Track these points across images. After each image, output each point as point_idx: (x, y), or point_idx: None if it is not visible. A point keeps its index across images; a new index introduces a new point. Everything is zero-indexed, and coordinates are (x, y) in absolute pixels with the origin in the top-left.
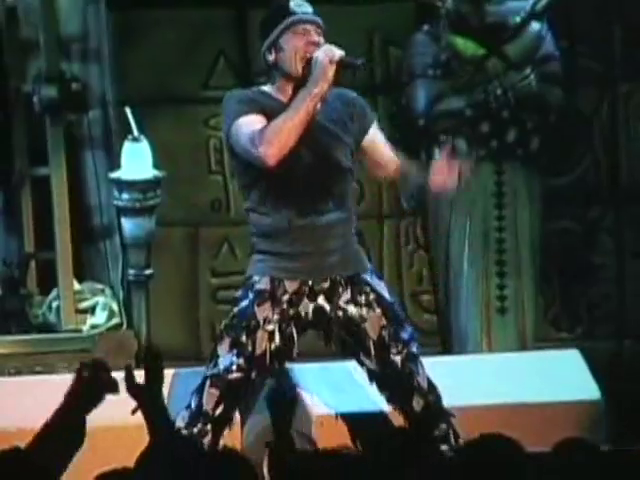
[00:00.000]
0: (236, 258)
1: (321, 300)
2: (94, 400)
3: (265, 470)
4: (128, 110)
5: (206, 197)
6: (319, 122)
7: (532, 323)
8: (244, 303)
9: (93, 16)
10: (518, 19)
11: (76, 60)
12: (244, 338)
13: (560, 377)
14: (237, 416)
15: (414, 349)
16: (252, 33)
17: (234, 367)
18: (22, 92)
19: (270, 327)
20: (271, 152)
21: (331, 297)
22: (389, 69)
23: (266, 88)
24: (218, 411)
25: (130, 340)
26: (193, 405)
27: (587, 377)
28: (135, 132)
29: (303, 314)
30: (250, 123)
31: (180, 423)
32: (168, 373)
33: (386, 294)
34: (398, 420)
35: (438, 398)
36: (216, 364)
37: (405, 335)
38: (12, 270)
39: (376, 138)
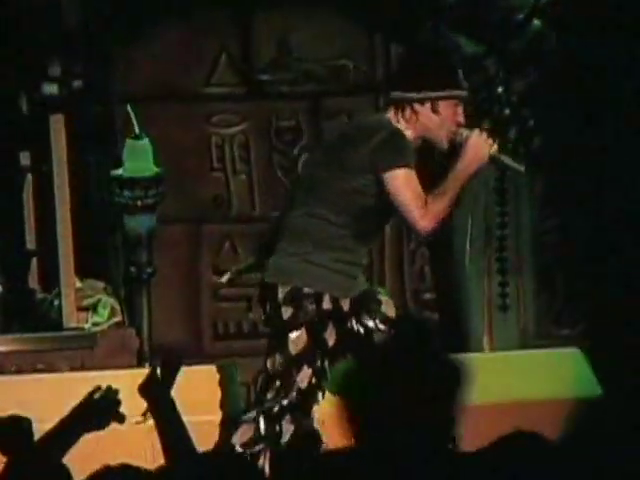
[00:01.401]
0: (238, 255)
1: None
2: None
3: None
4: (130, 107)
5: (208, 194)
6: None
7: (534, 320)
8: (308, 315)
9: (95, 12)
10: (520, 16)
11: (78, 57)
12: (321, 367)
13: (561, 375)
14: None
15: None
16: (254, 30)
17: (312, 398)
18: (25, 89)
19: (332, 339)
20: (432, 227)
21: (358, 312)
22: (390, 67)
23: (405, 131)
24: (284, 439)
25: (132, 338)
26: (267, 434)
27: (588, 375)
28: (137, 129)
29: (355, 330)
30: (410, 181)
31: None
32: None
33: (390, 312)
34: None
35: None
36: (299, 396)
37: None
38: (14, 268)
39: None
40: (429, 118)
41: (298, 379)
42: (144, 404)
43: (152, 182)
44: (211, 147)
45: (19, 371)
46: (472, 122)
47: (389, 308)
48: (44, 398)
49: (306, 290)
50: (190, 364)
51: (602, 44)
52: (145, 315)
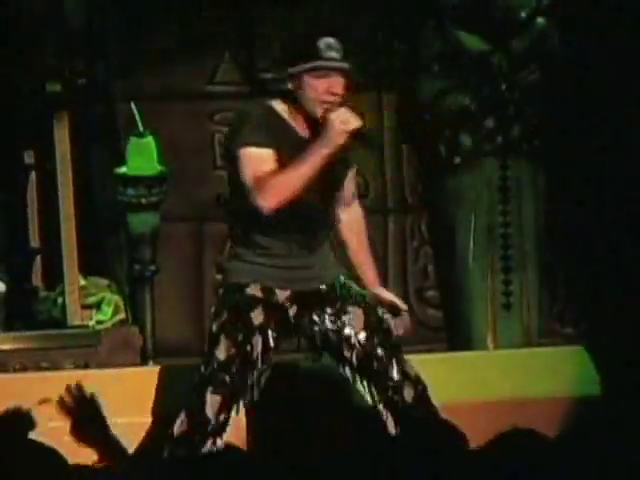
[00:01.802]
0: None
1: (305, 305)
2: None
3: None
4: (133, 105)
5: (211, 192)
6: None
7: (537, 318)
8: (240, 307)
9: (98, 11)
10: (524, 14)
11: (81, 55)
12: (241, 340)
13: (565, 373)
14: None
15: (394, 341)
16: (257, 28)
17: (235, 371)
18: (28, 87)
19: (264, 330)
20: (269, 204)
21: (313, 302)
22: (394, 64)
23: (280, 107)
24: (221, 418)
25: (135, 336)
26: (194, 413)
27: (592, 373)
28: (140, 127)
29: (289, 318)
30: (259, 160)
31: (181, 428)
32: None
33: (361, 298)
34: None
35: (425, 389)
36: (216, 368)
37: (386, 329)
38: (17, 265)
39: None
40: (299, 95)
41: (216, 352)
42: (148, 401)
43: (156, 180)
44: (214, 145)
45: (23, 369)
46: (476, 119)
47: (358, 320)
48: (48, 396)
49: (231, 281)
50: (193, 362)
51: (605, 43)
52: (149, 313)
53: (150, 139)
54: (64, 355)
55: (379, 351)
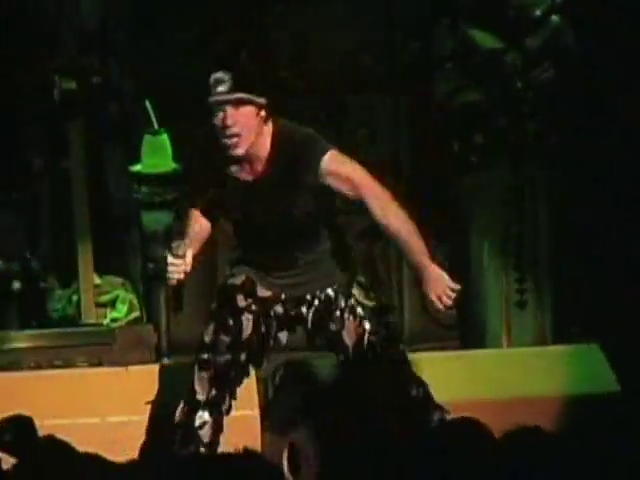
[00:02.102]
0: None
1: (296, 304)
2: None
3: (285, 463)
4: (148, 103)
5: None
6: (267, 184)
7: (551, 316)
8: (227, 293)
9: (113, 9)
10: (538, 12)
11: (96, 53)
12: (230, 321)
13: (580, 370)
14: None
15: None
16: (273, 26)
17: (221, 347)
18: (43, 85)
19: (254, 309)
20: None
21: (304, 303)
22: (407, 62)
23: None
24: (211, 395)
25: (150, 334)
26: (188, 395)
27: (607, 371)
28: (155, 125)
29: (281, 310)
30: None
31: (180, 415)
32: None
33: (362, 299)
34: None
35: (429, 391)
36: (202, 347)
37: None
38: (33, 263)
39: (335, 174)
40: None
41: (204, 334)
42: (161, 399)
43: (170, 178)
44: None
45: (37, 367)
46: (490, 118)
47: (348, 335)
48: (62, 394)
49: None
50: None
51: (618, 40)
52: (163, 311)
53: (164, 137)
54: (78, 353)
55: (382, 346)
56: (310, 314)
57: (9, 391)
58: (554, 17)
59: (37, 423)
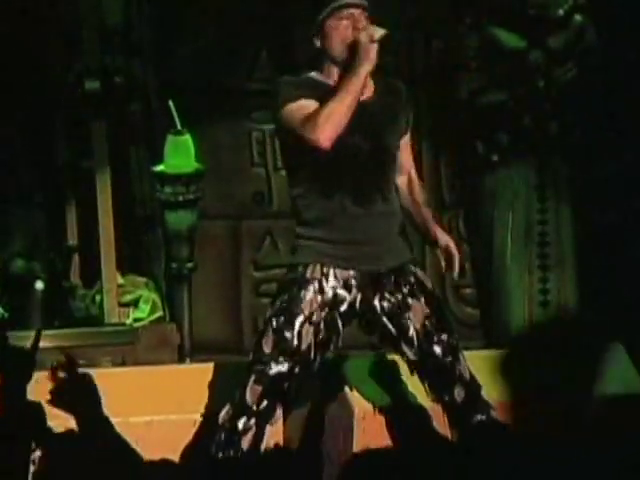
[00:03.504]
0: (279, 251)
1: (368, 290)
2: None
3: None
4: (171, 103)
5: (248, 190)
6: (370, 108)
7: (574, 316)
8: (289, 294)
9: (136, 9)
10: (561, 11)
11: (119, 53)
12: (289, 334)
13: (603, 371)
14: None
15: (454, 339)
16: (294, 25)
17: (279, 363)
18: (66, 85)
19: (316, 319)
20: (324, 135)
21: (377, 287)
22: (430, 61)
23: (314, 74)
24: (262, 406)
25: (173, 333)
26: (237, 399)
27: (630, 370)
28: (178, 125)
29: (350, 303)
30: (302, 107)
31: (224, 417)
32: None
33: (429, 284)
34: (437, 412)
35: (478, 389)
36: (260, 360)
37: (446, 325)
38: (55, 263)
39: (406, 138)
40: (327, 47)
41: (263, 341)
42: (186, 399)
43: (193, 178)
44: (252, 143)
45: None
46: (513, 117)
47: (418, 315)
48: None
49: (294, 263)
50: (230, 359)
51: None
52: (186, 310)
53: (187, 137)
54: (101, 353)
55: (436, 349)
56: (383, 296)
57: (32, 391)
58: (577, 16)
59: (58, 422)
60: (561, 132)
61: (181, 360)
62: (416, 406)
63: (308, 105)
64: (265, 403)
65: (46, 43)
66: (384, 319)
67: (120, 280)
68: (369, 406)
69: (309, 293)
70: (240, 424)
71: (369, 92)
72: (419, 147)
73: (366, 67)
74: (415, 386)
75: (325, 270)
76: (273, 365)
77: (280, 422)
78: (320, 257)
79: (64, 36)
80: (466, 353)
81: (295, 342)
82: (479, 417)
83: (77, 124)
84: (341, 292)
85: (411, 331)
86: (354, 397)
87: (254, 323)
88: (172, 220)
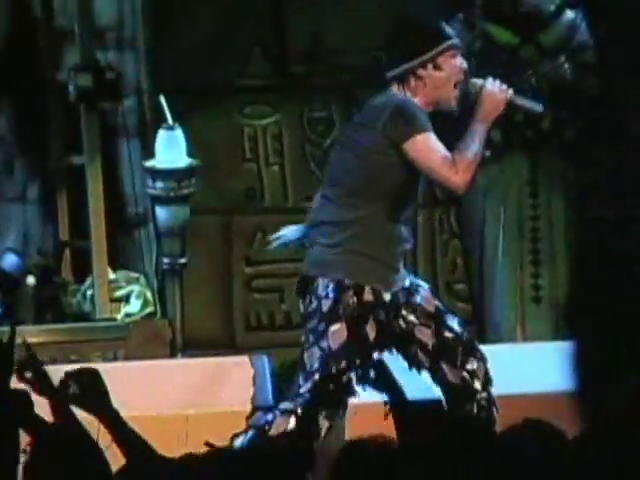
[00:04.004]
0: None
1: (396, 310)
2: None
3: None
4: (162, 98)
5: (240, 185)
6: None
7: (566, 312)
8: (349, 308)
9: (128, 4)
10: (553, 7)
11: (111, 48)
12: (358, 357)
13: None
14: None
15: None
16: (288, 21)
17: (344, 380)
18: (57, 81)
19: (377, 344)
20: (467, 181)
21: (398, 307)
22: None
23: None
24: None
25: (164, 329)
26: (306, 423)
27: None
28: (169, 120)
29: (396, 326)
30: (438, 144)
31: (281, 428)
32: (209, 361)
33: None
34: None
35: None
36: (332, 389)
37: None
38: (47, 258)
39: None
40: (435, 78)
41: (335, 373)
42: (177, 395)
43: (185, 173)
44: (244, 138)
45: (52, 362)
46: (505, 113)
47: (429, 304)
48: None
49: (347, 282)
50: (222, 355)
51: (635, 34)
52: (178, 306)
53: (179, 132)
54: (93, 348)
55: (449, 353)
56: (406, 311)
57: (23, 386)
58: (568, 12)
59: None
60: (553, 128)
61: (173, 355)
62: (409, 402)
63: (434, 142)
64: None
65: (38, 39)
66: (401, 328)
67: (111, 275)
68: (361, 402)
69: (370, 318)
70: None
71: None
72: None
73: (491, 120)
74: (407, 381)
75: (377, 292)
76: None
77: None
78: (373, 279)
79: (56, 31)
80: None
81: (359, 362)
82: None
83: (69, 120)
84: (387, 313)
85: (425, 339)
86: None
87: (246, 319)
88: (164, 216)
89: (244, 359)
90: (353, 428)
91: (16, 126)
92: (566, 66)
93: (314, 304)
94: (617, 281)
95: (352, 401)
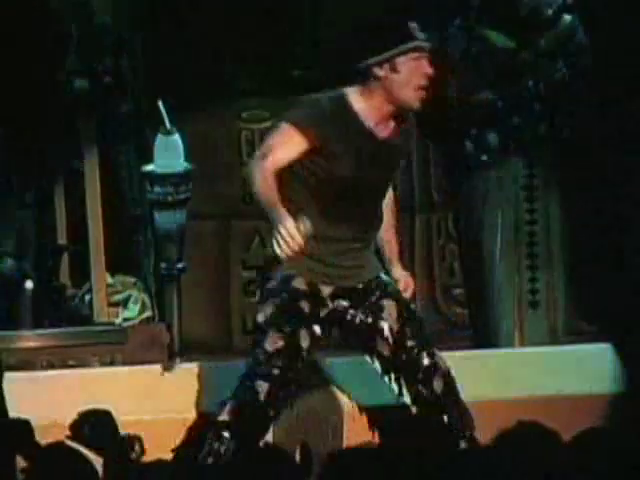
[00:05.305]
0: (267, 251)
1: (345, 302)
2: None
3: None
4: (160, 103)
5: (238, 190)
6: (391, 148)
7: (564, 316)
8: (283, 299)
9: (126, 8)
10: (550, 11)
11: (108, 53)
12: (289, 332)
13: (592, 370)
14: None
15: (427, 334)
16: (286, 23)
17: (282, 362)
18: (55, 86)
19: (311, 324)
20: (250, 176)
21: (352, 300)
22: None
23: (353, 97)
24: (272, 406)
25: (162, 333)
26: (247, 400)
27: (618, 371)
28: (167, 125)
29: (330, 314)
30: (286, 141)
31: (230, 417)
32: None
33: (396, 287)
34: None
35: (454, 381)
36: (263, 360)
37: (418, 322)
38: (45, 263)
39: None
40: (391, 79)
41: (266, 344)
42: (174, 399)
43: (183, 178)
44: (241, 143)
45: (50, 366)
46: (502, 117)
47: (391, 313)
48: (75, 394)
49: (287, 272)
50: (219, 359)
51: (633, 39)
52: (175, 310)
53: (177, 136)
54: (91, 352)
55: (410, 343)
56: (357, 313)
57: (22, 391)
58: (566, 16)
59: (49, 422)
60: (550, 132)
61: (170, 359)
62: (405, 406)
63: (288, 142)
64: (275, 404)
65: (35, 42)
66: (359, 322)
67: (109, 280)
68: (359, 405)
69: (302, 299)
70: (249, 425)
71: (395, 133)
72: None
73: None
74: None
75: (311, 283)
76: (277, 364)
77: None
78: (305, 271)
79: (54, 35)
80: (455, 353)
81: (295, 341)
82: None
83: (66, 124)
84: (325, 301)
85: (386, 331)
86: (343, 398)
87: (243, 322)
88: (162, 220)
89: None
90: (351, 432)
91: (13, 130)
92: (564, 70)
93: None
94: None
95: (350, 405)
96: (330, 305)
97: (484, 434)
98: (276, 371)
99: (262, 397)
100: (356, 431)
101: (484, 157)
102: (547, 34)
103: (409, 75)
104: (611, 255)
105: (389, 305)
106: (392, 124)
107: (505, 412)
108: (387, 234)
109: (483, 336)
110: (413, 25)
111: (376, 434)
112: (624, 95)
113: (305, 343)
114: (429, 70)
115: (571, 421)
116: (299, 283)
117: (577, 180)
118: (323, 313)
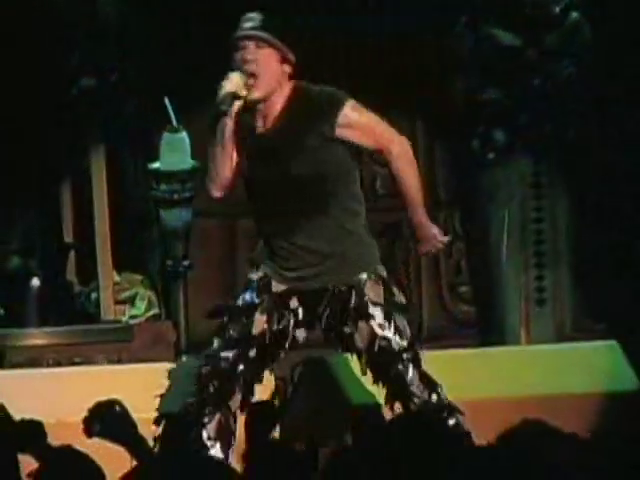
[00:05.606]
0: None
1: (308, 303)
2: None
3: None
4: (167, 100)
5: (244, 188)
6: (271, 145)
7: (570, 314)
8: (247, 290)
9: (131, 7)
10: (557, 10)
11: (114, 52)
12: (241, 317)
13: (598, 368)
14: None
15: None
16: (290, 26)
17: (230, 342)
18: (62, 84)
19: (265, 311)
20: (211, 189)
21: (316, 303)
22: (428, 61)
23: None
24: (218, 390)
25: (169, 331)
26: (196, 391)
27: (625, 368)
28: (174, 123)
29: (292, 310)
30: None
31: (188, 412)
32: None
33: (375, 296)
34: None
35: (439, 395)
36: (211, 342)
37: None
38: (52, 261)
39: (355, 124)
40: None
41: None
42: (179, 397)
43: (188, 176)
44: None
45: (57, 364)
46: (509, 115)
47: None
48: (81, 391)
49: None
50: None
51: (638, 36)
52: (182, 308)
53: (183, 134)
54: (97, 350)
55: (395, 351)
56: (325, 312)
57: (29, 388)
58: (573, 14)
59: (56, 420)
60: (557, 130)
61: (177, 357)
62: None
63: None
64: (220, 387)
65: (41, 41)
66: (330, 329)
67: (116, 278)
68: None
69: (259, 289)
70: (204, 416)
71: (273, 125)
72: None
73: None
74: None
75: (267, 278)
76: (223, 348)
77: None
78: (263, 266)
79: (59, 34)
80: (461, 351)
81: (245, 325)
82: (451, 422)
83: (72, 122)
84: (282, 299)
85: (358, 346)
86: (348, 395)
87: None
88: (168, 218)
89: None
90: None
91: (19, 128)
92: (570, 68)
93: None
94: None
95: (355, 401)
96: (291, 303)
97: (489, 432)
98: (216, 355)
99: (208, 391)
100: (361, 428)
101: (491, 155)
102: (553, 32)
103: (234, 64)
104: (617, 253)
105: (361, 326)
106: (264, 117)
107: (511, 410)
108: (401, 187)
109: (489, 334)
110: (244, 18)
111: (380, 431)
112: (624, 95)
113: (260, 328)
114: (247, 55)
115: (577, 419)
116: (254, 275)
117: (583, 178)
118: (278, 304)
